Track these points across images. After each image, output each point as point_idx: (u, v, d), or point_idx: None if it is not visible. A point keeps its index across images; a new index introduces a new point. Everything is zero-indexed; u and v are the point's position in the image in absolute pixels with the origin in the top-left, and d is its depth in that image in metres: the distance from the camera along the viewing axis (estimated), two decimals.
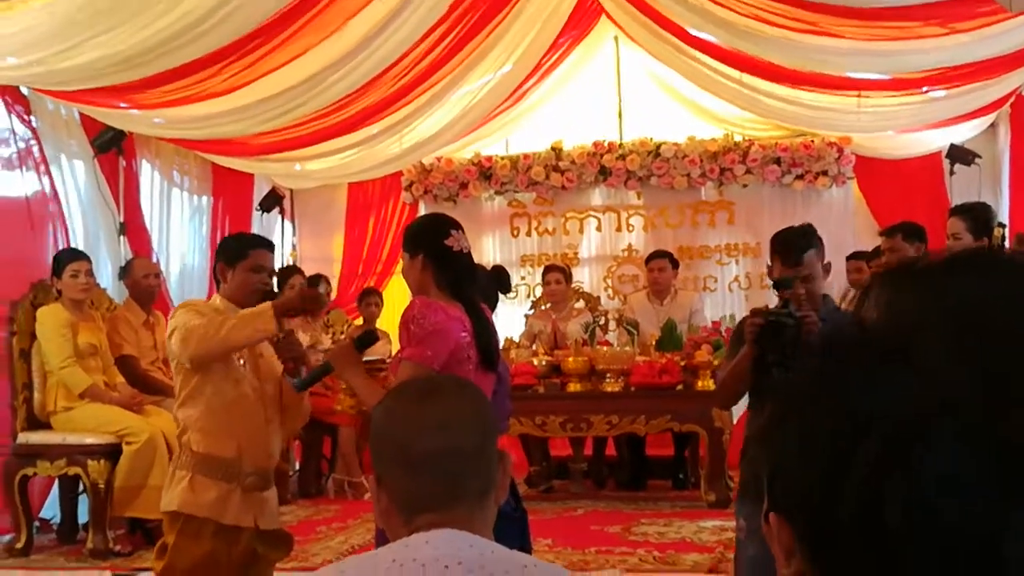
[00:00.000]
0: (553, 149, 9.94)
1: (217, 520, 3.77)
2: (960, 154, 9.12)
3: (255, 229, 9.31)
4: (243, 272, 3.92)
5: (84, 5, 6.27)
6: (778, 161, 9.57)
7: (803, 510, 0.75)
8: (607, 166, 9.82)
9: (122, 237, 7.98)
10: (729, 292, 9.82)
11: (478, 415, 1.81)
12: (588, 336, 7.95)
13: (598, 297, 9.27)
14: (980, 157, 9.11)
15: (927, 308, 0.76)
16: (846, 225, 9.47)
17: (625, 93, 9.97)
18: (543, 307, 8.67)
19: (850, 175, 9.61)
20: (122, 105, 7.70)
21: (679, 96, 9.71)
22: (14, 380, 6.52)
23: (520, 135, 10.13)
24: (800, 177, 9.59)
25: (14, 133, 7.30)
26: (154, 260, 8.06)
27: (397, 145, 9.45)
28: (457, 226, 3.70)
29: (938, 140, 9.26)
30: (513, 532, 3.24)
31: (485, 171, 10.05)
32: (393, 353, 4.62)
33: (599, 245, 10.17)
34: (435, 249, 3.60)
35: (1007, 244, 6.51)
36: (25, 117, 7.37)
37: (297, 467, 8.63)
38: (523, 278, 9.98)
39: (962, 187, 8.91)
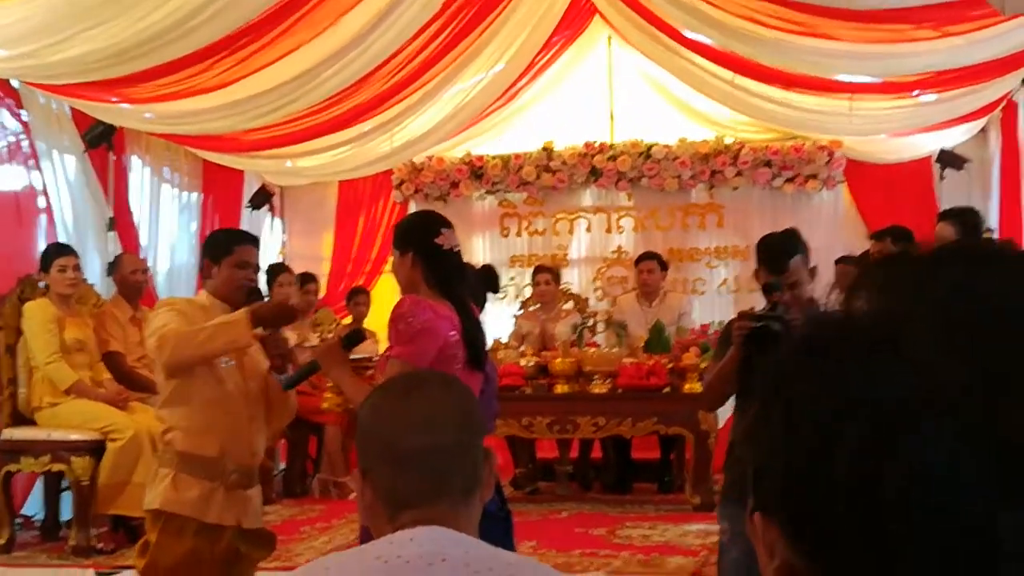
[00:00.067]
0: (544, 149, 9.94)
1: (199, 519, 3.75)
2: (950, 159, 9.14)
3: (244, 226, 9.26)
4: (228, 268, 3.91)
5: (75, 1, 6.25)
6: (769, 164, 9.57)
7: (790, 503, 0.74)
8: (598, 167, 9.82)
9: (111, 232, 7.96)
10: (718, 295, 9.82)
11: (464, 412, 1.80)
12: (576, 337, 7.95)
13: (587, 299, 9.26)
14: (970, 162, 9.13)
15: (916, 299, 0.76)
16: (836, 228, 9.48)
17: (617, 94, 9.97)
18: (532, 308, 8.66)
19: (840, 178, 9.62)
20: (113, 99, 7.67)
21: (671, 98, 9.71)
22: None
23: (512, 135, 10.12)
24: (790, 180, 9.60)
25: (4, 127, 7.28)
26: (142, 256, 8.04)
27: (388, 143, 9.43)
28: (447, 224, 3.69)
29: (929, 144, 9.28)
30: (498, 532, 3.23)
31: (476, 170, 10.04)
32: (381, 352, 4.61)
33: (589, 246, 10.16)
34: (425, 247, 3.59)
35: None
36: (16, 111, 7.34)
37: (282, 466, 8.60)
38: (512, 278, 9.96)
39: (952, 192, 8.93)
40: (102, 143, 7.83)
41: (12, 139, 7.32)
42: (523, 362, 7.69)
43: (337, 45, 7.68)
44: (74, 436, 6.26)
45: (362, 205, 10.44)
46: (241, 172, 9.80)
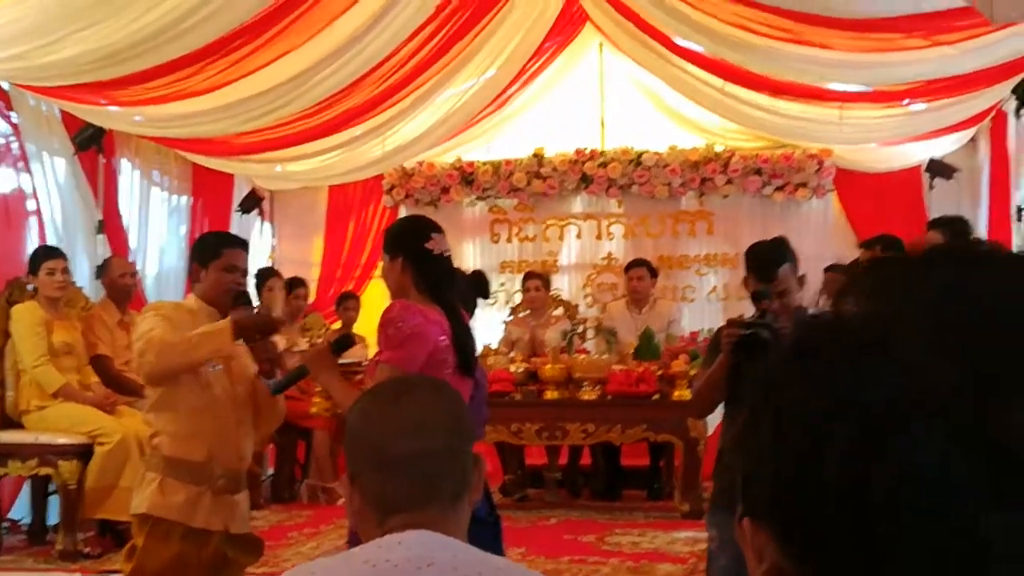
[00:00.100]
0: (535, 156, 9.94)
1: (186, 523, 3.74)
2: (940, 168, 9.17)
3: (234, 230, 9.25)
4: (216, 271, 3.90)
5: (66, 1, 6.23)
6: (759, 172, 9.59)
7: (779, 506, 0.74)
8: (588, 174, 9.83)
9: (100, 235, 7.93)
10: (707, 303, 9.83)
11: (453, 416, 1.80)
12: (566, 344, 7.95)
13: (577, 305, 9.27)
14: (959, 171, 9.16)
15: (906, 300, 0.76)
16: (825, 237, 9.49)
17: (608, 101, 9.98)
18: (522, 314, 8.66)
19: (830, 187, 9.64)
20: (102, 102, 7.66)
21: (662, 105, 9.73)
22: None
23: (502, 141, 10.13)
24: (780, 188, 9.62)
25: None
26: (131, 259, 8.01)
27: (379, 148, 9.43)
28: (438, 229, 3.68)
29: (918, 154, 9.31)
30: (487, 538, 3.22)
31: (467, 176, 10.04)
32: (370, 356, 4.61)
33: (579, 253, 10.16)
34: (415, 252, 3.59)
35: None
36: (5, 113, 7.32)
37: (270, 472, 8.58)
38: (502, 284, 9.95)
39: (941, 201, 8.95)
40: (92, 146, 7.80)
41: (2, 141, 7.30)
42: (513, 368, 7.68)
43: (329, 49, 7.68)
44: (62, 440, 6.24)
45: (352, 210, 10.43)
46: (231, 176, 9.78)
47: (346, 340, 3.88)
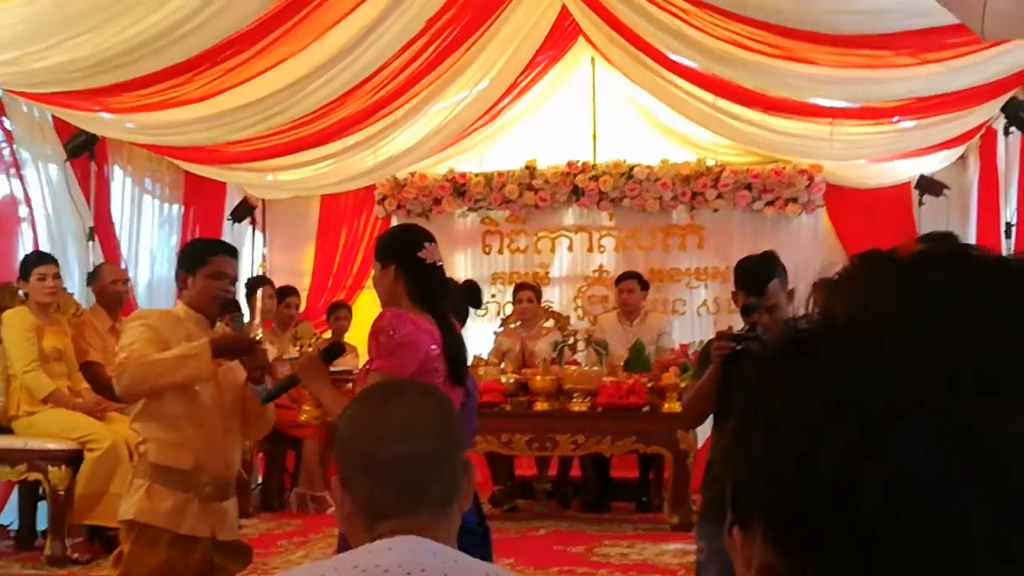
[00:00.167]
0: (527, 168, 9.96)
1: (173, 529, 3.73)
2: (929, 185, 9.22)
3: (226, 239, 9.24)
4: (204, 279, 3.88)
5: (62, 5, 6.23)
6: (749, 187, 9.63)
7: (774, 509, 0.75)
8: (580, 186, 9.85)
9: (91, 242, 7.92)
10: (698, 316, 9.85)
11: (442, 420, 1.80)
12: (557, 355, 7.96)
13: (568, 317, 9.29)
14: (949, 188, 9.20)
15: (903, 300, 0.76)
16: (815, 252, 9.52)
17: (600, 115, 10.01)
18: (512, 325, 8.67)
19: (820, 203, 9.68)
20: (95, 109, 7.66)
21: (653, 119, 9.76)
22: None
23: (495, 153, 10.14)
24: (771, 203, 9.65)
25: None
26: (123, 266, 8.01)
27: (371, 158, 9.44)
28: (430, 238, 3.68)
29: (908, 170, 9.35)
30: (476, 548, 3.23)
31: (459, 187, 10.05)
32: (361, 366, 4.61)
33: (570, 265, 10.18)
34: (407, 260, 3.58)
35: None
36: None
37: (260, 480, 8.56)
38: (494, 295, 9.96)
39: (930, 218, 8.99)
40: (84, 152, 7.80)
41: None
42: (503, 379, 7.69)
43: (322, 59, 7.69)
44: (51, 445, 6.23)
45: (344, 220, 10.43)
46: (223, 184, 9.78)
47: (337, 348, 3.88)
